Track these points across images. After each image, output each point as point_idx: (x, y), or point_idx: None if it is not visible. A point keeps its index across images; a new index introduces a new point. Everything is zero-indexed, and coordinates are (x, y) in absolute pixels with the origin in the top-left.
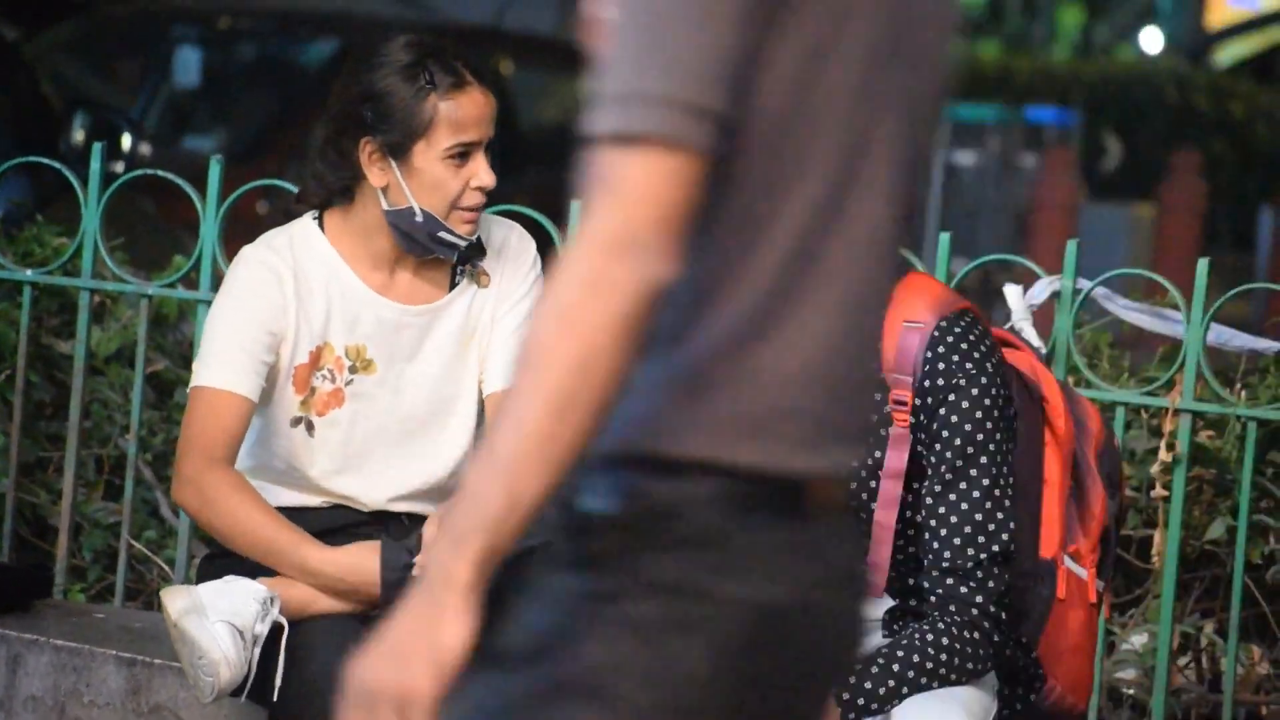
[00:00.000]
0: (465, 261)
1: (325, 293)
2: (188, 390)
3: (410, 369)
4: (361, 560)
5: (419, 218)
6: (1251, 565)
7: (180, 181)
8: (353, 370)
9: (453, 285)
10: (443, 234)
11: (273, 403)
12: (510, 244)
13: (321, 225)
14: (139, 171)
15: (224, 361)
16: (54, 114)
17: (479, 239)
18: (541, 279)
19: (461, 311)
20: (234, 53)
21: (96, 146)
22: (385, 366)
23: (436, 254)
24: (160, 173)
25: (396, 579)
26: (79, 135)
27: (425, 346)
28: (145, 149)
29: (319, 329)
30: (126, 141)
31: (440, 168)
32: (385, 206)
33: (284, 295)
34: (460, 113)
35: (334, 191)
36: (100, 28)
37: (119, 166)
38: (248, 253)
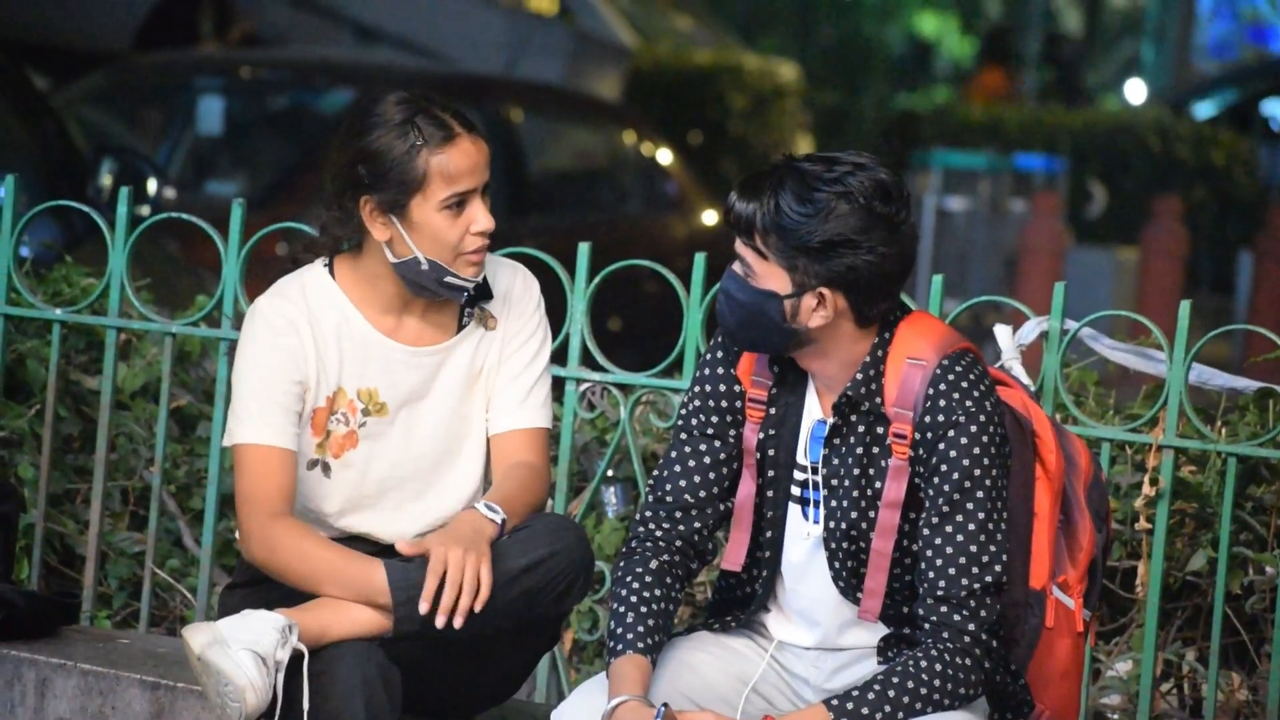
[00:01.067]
0: (473, 304)
1: (337, 337)
2: (227, 446)
3: (420, 410)
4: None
5: (424, 266)
6: (1231, 595)
7: (203, 224)
8: (365, 413)
9: (460, 327)
10: (449, 279)
11: None
12: (516, 287)
13: (332, 271)
14: (164, 215)
15: (261, 418)
16: (82, 160)
17: (486, 283)
18: (545, 321)
19: (468, 353)
20: (254, 102)
21: (123, 191)
22: (396, 408)
23: (446, 298)
24: (184, 216)
25: (405, 598)
26: (106, 180)
27: (434, 388)
28: (170, 193)
29: (334, 374)
30: (152, 186)
31: (439, 218)
32: (391, 258)
33: (302, 342)
34: (451, 164)
35: (341, 241)
36: (126, 78)
37: (145, 210)
38: (263, 304)
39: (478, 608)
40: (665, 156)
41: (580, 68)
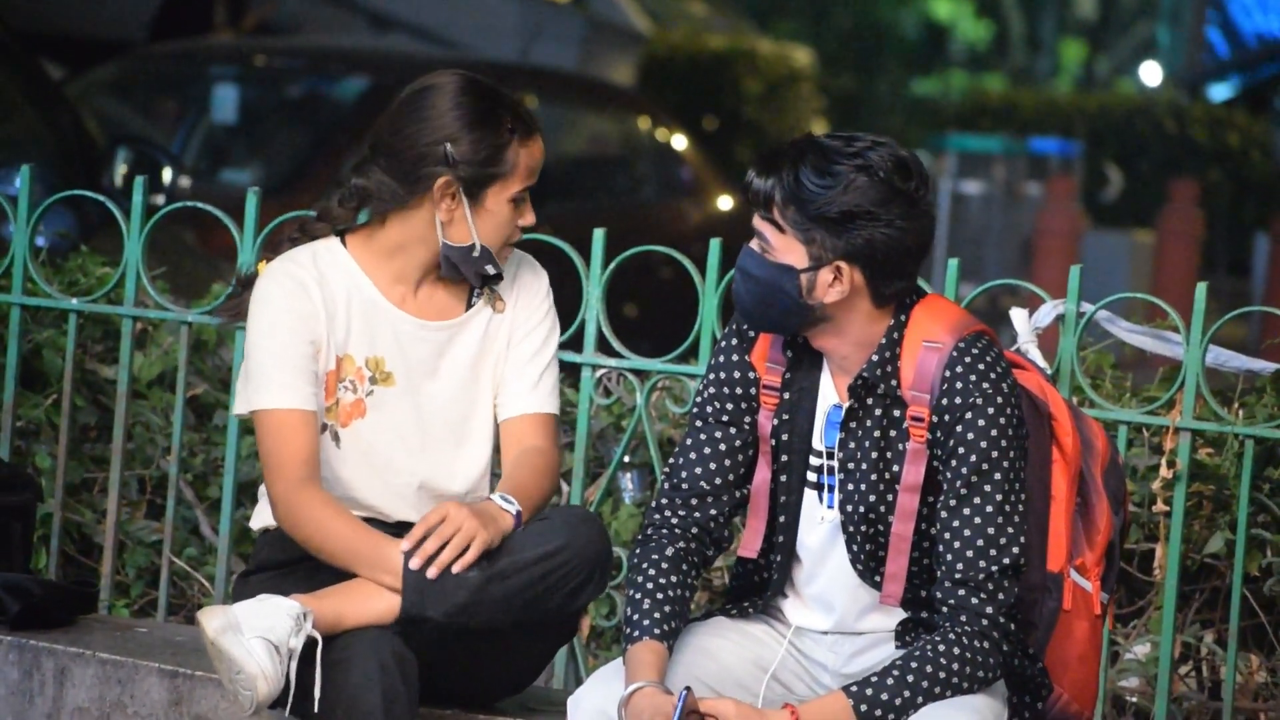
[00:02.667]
0: (483, 285)
1: (346, 304)
2: (245, 412)
3: (428, 384)
4: None
5: (477, 253)
6: (1250, 577)
7: (219, 213)
8: (373, 381)
9: (469, 305)
10: (489, 267)
11: None
12: (523, 273)
13: (343, 242)
14: (179, 204)
15: (279, 382)
16: (97, 150)
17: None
18: (553, 310)
19: (477, 332)
20: (269, 90)
21: (138, 180)
22: (404, 379)
23: (467, 281)
24: (199, 205)
25: (415, 581)
26: (121, 170)
27: (442, 363)
28: (185, 182)
29: (341, 339)
30: (167, 175)
31: (507, 210)
32: (442, 238)
33: (313, 303)
34: (532, 161)
35: (359, 213)
36: (141, 67)
37: (160, 199)
38: (274, 267)
39: (456, 569)
40: (680, 142)
41: (594, 54)
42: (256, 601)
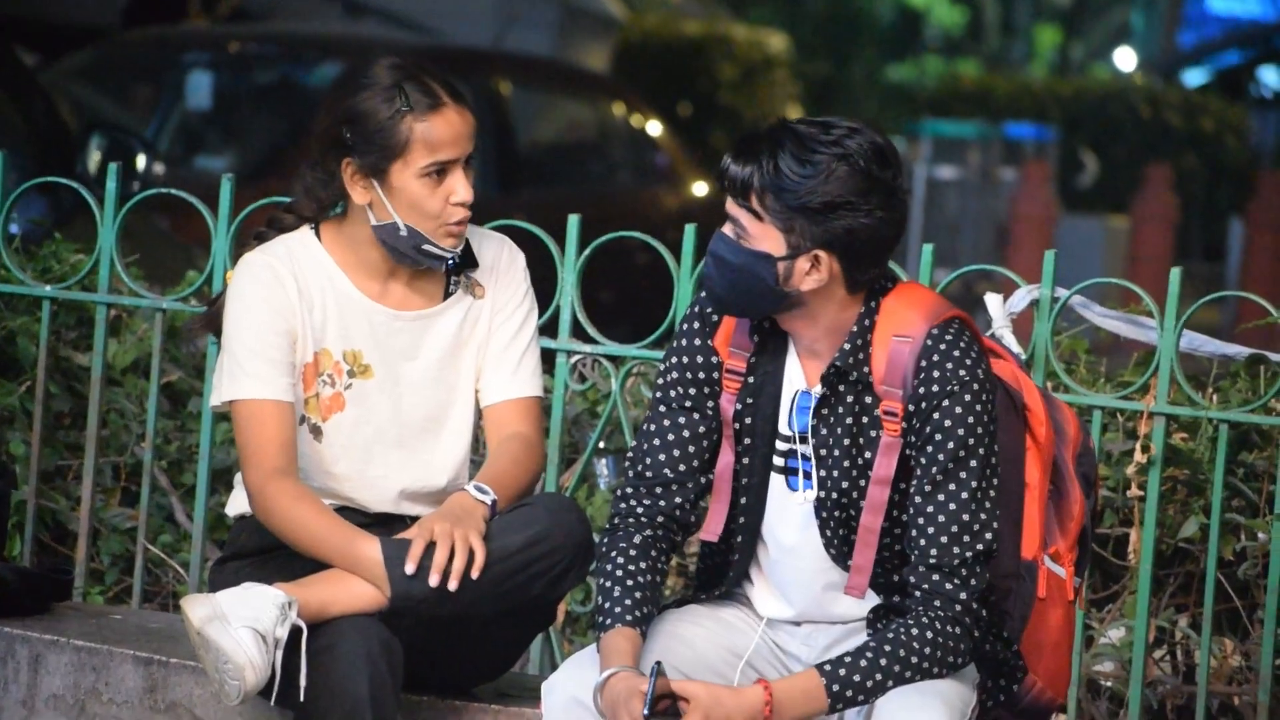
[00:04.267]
0: (458, 272)
1: (322, 297)
2: (221, 403)
3: (406, 374)
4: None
5: (403, 233)
6: (1224, 562)
7: (193, 200)
8: (351, 375)
9: (446, 295)
10: (427, 247)
11: None
12: (502, 258)
13: (318, 236)
14: (153, 190)
15: (253, 373)
16: (71, 136)
17: (471, 252)
18: (531, 291)
19: (456, 320)
20: (244, 76)
21: (112, 167)
22: (382, 371)
23: (426, 265)
24: (174, 191)
25: (401, 570)
26: (95, 156)
27: (420, 353)
28: (159, 169)
29: (318, 332)
30: (141, 162)
31: (418, 186)
32: (373, 222)
33: (289, 296)
34: (435, 133)
35: (325, 206)
36: (115, 54)
37: (134, 186)
38: (250, 258)
39: (474, 574)
40: (655, 128)
41: (569, 39)
42: (241, 589)
